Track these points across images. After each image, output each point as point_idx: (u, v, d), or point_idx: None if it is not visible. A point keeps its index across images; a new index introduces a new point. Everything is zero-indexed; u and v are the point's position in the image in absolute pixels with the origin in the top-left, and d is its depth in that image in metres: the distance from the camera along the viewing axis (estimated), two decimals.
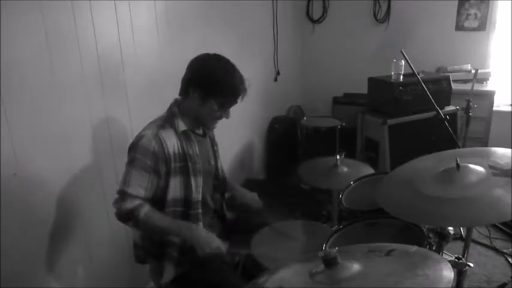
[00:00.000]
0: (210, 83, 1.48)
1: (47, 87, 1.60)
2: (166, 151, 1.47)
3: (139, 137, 1.47)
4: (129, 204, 1.42)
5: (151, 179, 1.45)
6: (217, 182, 1.73)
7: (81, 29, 1.71)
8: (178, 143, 1.51)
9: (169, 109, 1.58)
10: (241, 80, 1.52)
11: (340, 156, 2.11)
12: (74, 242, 1.80)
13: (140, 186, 1.44)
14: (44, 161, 1.61)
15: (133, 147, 1.46)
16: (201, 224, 1.57)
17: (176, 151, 1.50)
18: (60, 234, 1.72)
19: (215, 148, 1.74)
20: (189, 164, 1.53)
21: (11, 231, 1.48)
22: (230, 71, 1.51)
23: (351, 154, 3.03)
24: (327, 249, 1.23)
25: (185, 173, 1.53)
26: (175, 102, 1.58)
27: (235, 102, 1.54)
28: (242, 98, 1.54)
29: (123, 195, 1.44)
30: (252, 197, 1.82)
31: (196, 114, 1.55)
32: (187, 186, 1.53)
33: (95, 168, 1.86)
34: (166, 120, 1.53)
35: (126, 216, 1.44)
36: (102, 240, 1.95)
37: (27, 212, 1.56)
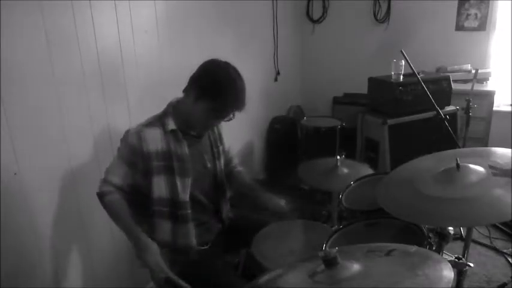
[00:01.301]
0: (207, 84, 1.47)
1: (47, 87, 1.60)
2: (145, 148, 1.48)
3: (126, 132, 1.54)
4: (102, 188, 1.50)
5: (126, 170, 1.51)
6: (217, 183, 1.73)
7: (81, 29, 1.72)
8: (164, 142, 1.51)
9: (164, 109, 1.58)
10: (241, 91, 1.49)
11: (340, 157, 2.11)
12: (74, 242, 1.80)
13: (116, 175, 1.50)
14: (44, 160, 1.61)
15: (121, 140, 1.54)
16: (191, 224, 1.57)
17: (159, 150, 1.50)
18: (60, 234, 1.72)
19: (214, 150, 1.72)
20: (174, 164, 1.52)
21: (11, 231, 1.48)
22: (233, 78, 1.48)
23: (351, 154, 3.03)
24: (327, 249, 1.23)
25: (170, 172, 1.53)
26: (172, 102, 1.58)
27: (226, 112, 1.51)
28: (235, 111, 1.52)
29: (103, 178, 1.52)
30: (277, 205, 1.71)
31: (188, 113, 1.53)
32: (172, 186, 1.53)
33: (94, 168, 1.86)
34: (157, 119, 1.55)
35: (98, 198, 1.51)
36: (102, 240, 1.95)
37: (27, 212, 1.56)
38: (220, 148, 1.75)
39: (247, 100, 1.52)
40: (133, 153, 1.49)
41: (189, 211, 1.57)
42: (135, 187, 1.53)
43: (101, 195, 1.50)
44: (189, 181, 1.56)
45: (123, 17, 1.94)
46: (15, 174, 1.49)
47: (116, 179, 1.50)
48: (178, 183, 1.53)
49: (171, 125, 1.53)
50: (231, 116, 1.55)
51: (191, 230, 1.57)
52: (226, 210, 1.79)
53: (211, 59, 1.53)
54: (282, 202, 1.73)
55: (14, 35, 1.45)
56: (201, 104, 1.48)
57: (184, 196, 1.55)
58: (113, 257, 2.01)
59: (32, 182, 1.57)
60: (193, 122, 1.56)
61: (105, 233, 1.96)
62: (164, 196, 1.53)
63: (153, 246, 1.40)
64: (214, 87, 1.47)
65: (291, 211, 1.72)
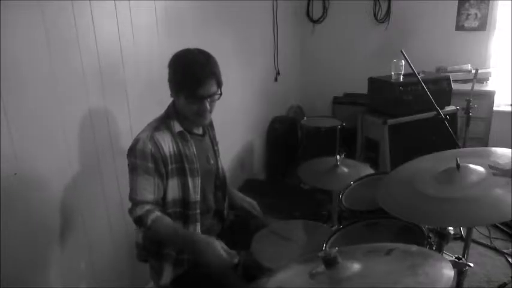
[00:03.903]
0: (174, 78, 1.50)
1: (47, 86, 1.60)
2: (162, 152, 1.47)
3: (136, 141, 1.48)
4: (139, 211, 1.44)
5: (156, 182, 1.46)
6: (219, 182, 1.73)
7: (81, 29, 1.72)
8: (174, 144, 1.51)
9: (166, 110, 1.58)
10: (202, 68, 1.45)
11: (340, 156, 2.11)
12: (74, 242, 1.80)
13: (147, 191, 1.45)
14: (44, 161, 1.61)
15: (132, 153, 1.47)
16: (198, 224, 1.57)
17: (172, 152, 1.50)
18: (60, 234, 1.72)
19: (215, 148, 1.74)
20: (186, 165, 1.52)
21: (11, 231, 1.48)
22: (191, 61, 1.47)
23: (351, 154, 3.03)
24: (327, 249, 1.23)
25: (182, 174, 1.53)
26: (172, 103, 1.58)
27: (200, 92, 1.45)
28: (206, 85, 1.45)
29: (133, 202, 1.46)
30: (251, 204, 1.81)
31: (182, 111, 1.53)
32: (184, 187, 1.53)
33: (95, 168, 1.86)
34: (162, 122, 1.54)
35: (138, 223, 1.46)
36: (102, 240, 1.95)
37: (27, 212, 1.56)
38: (216, 147, 1.75)
39: (210, 70, 1.46)
40: (155, 161, 1.45)
41: (198, 211, 1.57)
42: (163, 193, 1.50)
43: (140, 220, 1.43)
44: (199, 181, 1.56)
45: (123, 17, 1.94)
46: (15, 174, 1.49)
47: (150, 196, 1.45)
48: (190, 183, 1.53)
49: (177, 127, 1.53)
50: (208, 91, 1.47)
51: (198, 230, 1.57)
52: (227, 210, 1.79)
53: (173, 54, 1.53)
54: (254, 204, 1.80)
55: (14, 35, 1.44)
56: (181, 97, 1.49)
57: (195, 196, 1.55)
58: (113, 257, 2.01)
59: (32, 182, 1.57)
60: (189, 117, 1.54)
61: (105, 232, 1.96)
62: (177, 198, 1.53)
63: (210, 243, 1.38)
64: (178, 78, 1.49)
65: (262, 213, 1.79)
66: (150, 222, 1.42)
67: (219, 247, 1.38)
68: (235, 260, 1.37)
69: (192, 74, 1.45)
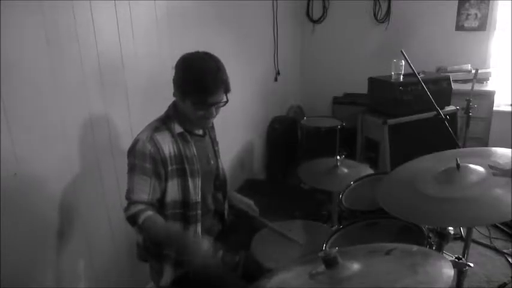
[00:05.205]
0: (182, 82, 1.48)
1: (47, 87, 1.60)
2: (161, 153, 1.47)
3: (135, 141, 1.48)
4: (132, 210, 1.44)
5: (153, 183, 1.46)
6: (219, 182, 1.73)
7: (81, 29, 1.72)
8: (175, 145, 1.51)
9: (166, 111, 1.58)
10: (214, 77, 1.44)
11: (340, 156, 2.11)
12: (74, 242, 1.80)
13: (142, 191, 1.45)
14: (44, 161, 1.61)
15: (131, 153, 1.47)
16: (199, 225, 1.57)
17: (172, 153, 1.50)
18: (60, 234, 1.72)
19: (216, 148, 1.74)
20: (186, 166, 1.52)
21: (10, 231, 1.48)
22: (202, 68, 1.45)
23: (351, 154, 3.03)
24: (327, 249, 1.23)
25: (182, 175, 1.52)
26: (173, 104, 1.58)
27: (209, 100, 1.45)
28: (215, 95, 1.45)
29: (128, 201, 1.46)
30: (248, 204, 1.80)
31: (185, 114, 1.53)
32: (184, 188, 1.53)
33: (95, 168, 1.86)
34: (162, 122, 1.53)
35: (130, 222, 1.46)
36: (102, 240, 1.95)
37: (27, 212, 1.56)
38: (216, 148, 1.75)
39: (221, 79, 1.45)
40: (154, 162, 1.45)
41: (199, 211, 1.57)
42: (159, 195, 1.50)
43: (132, 218, 1.43)
44: (199, 181, 1.56)
45: (123, 17, 1.94)
46: (15, 174, 1.49)
47: (144, 196, 1.44)
48: (190, 184, 1.53)
49: (178, 128, 1.53)
50: (217, 99, 1.47)
51: (199, 230, 1.57)
52: (227, 210, 1.79)
53: (182, 56, 1.51)
54: (251, 204, 1.79)
55: (14, 35, 1.44)
56: (187, 102, 1.48)
57: (196, 197, 1.55)
58: (113, 257, 2.01)
59: (32, 182, 1.57)
60: (193, 120, 1.54)
61: (105, 233, 1.96)
62: (177, 199, 1.53)
63: (198, 240, 1.42)
64: (187, 83, 1.46)
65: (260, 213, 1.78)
66: (141, 220, 1.42)
67: (206, 245, 1.39)
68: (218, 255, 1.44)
69: (203, 82, 1.43)
